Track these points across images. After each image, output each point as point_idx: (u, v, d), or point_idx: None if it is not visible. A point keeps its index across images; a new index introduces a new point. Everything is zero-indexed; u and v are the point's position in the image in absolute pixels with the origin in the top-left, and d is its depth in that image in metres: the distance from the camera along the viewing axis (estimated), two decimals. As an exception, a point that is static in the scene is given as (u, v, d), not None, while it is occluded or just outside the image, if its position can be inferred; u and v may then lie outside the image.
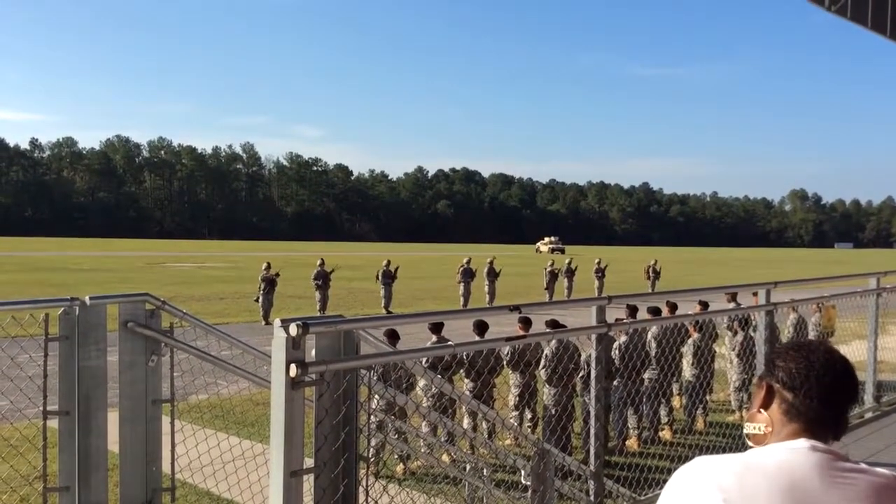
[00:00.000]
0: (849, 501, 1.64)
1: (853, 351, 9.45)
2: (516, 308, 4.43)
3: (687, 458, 1.81)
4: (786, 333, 11.64)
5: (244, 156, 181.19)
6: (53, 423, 4.29)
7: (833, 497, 1.63)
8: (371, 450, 7.39)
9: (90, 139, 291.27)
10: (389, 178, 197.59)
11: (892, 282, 9.73)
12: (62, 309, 4.25)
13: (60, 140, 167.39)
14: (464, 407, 9.07)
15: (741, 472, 1.67)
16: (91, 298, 4.29)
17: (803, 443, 1.73)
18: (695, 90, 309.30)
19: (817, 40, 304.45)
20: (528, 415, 9.99)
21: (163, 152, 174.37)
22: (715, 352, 11.20)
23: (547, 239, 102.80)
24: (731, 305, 11.71)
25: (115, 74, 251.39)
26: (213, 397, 10.20)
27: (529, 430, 9.75)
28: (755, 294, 9.88)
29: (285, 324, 2.93)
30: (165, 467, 4.67)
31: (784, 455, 1.71)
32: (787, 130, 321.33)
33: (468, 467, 6.44)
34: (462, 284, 27.92)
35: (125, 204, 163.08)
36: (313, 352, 3.16)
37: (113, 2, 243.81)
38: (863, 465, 1.72)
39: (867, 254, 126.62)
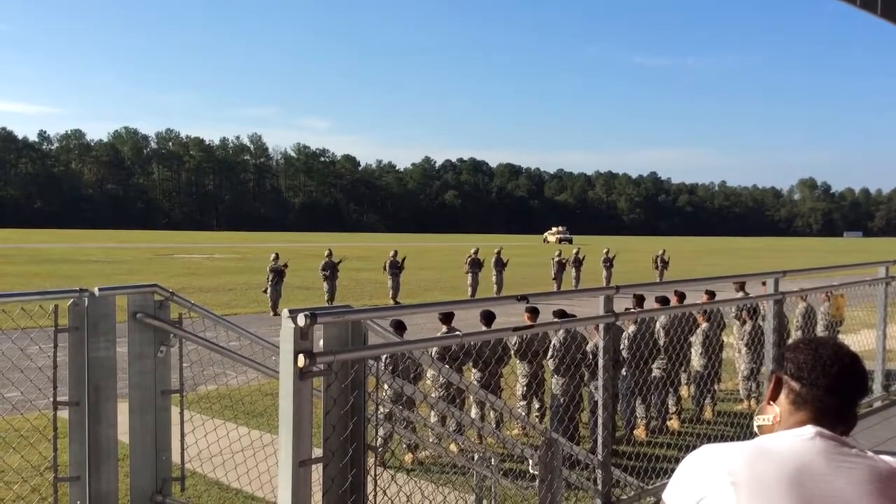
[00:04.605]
0: (854, 486, 1.65)
1: (862, 340, 9.42)
2: (524, 298, 4.43)
3: (695, 448, 1.82)
4: (794, 323, 11.62)
5: (252, 147, 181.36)
6: (64, 414, 4.31)
7: (839, 481, 1.65)
8: (379, 439, 7.42)
9: (98, 131, 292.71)
10: (397, 168, 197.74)
11: (901, 270, 9.68)
12: (71, 300, 4.26)
13: (69, 132, 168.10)
14: (472, 397, 9.08)
15: (749, 456, 1.69)
16: (100, 290, 4.30)
17: (810, 429, 1.75)
18: (703, 80, 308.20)
19: (826, 29, 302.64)
20: (536, 404, 10.00)
21: (171, 144, 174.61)
22: (723, 341, 11.18)
23: (555, 229, 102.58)
24: (740, 295, 11.68)
25: (124, 66, 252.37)
26: (222, 388, 10.24)
27: (537, 419, 9.76)
28: (764, 283, 9.86)
29: (293, 314, 2.93)
30: (175, 457, 4.70)
31: (791, 441, 1.73)
32: (796, 119, 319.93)
33: (476, 457, 6.45)
34: (470, 275, 27.92)
35: (133, 195, 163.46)
36: (321, 342, 3.16)
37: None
38: (868, 452, 1.73)
39: (876, 242, 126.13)
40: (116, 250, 57.75)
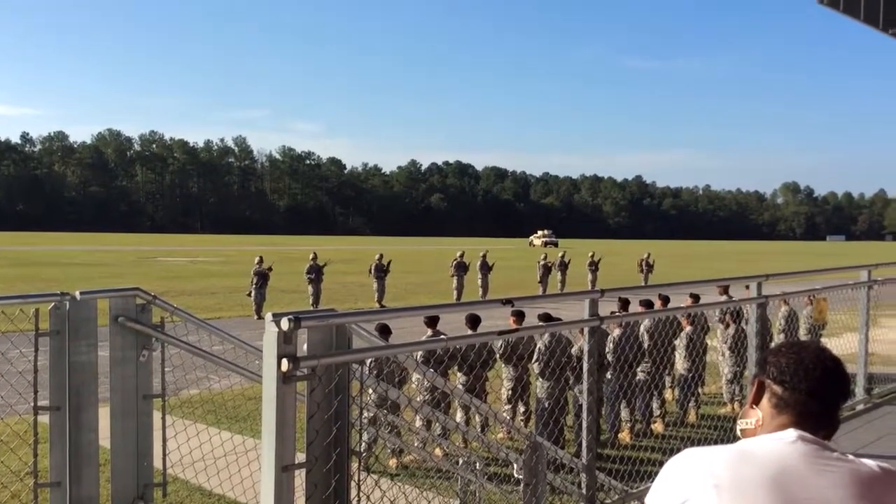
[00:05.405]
0: (836, 489, 1.66)
1: (844, 343, 9.48)
2: (509, 301, 4.44)
3: (679, 451, 1.83)
4: (777, 326, 11.67)
5: (236, 149, 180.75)
6: (44, 419, 4.28)
7: (820, 484, 1.66)
8: (363, 444, 7.39)
9: (81, 133, 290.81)
10: (383, 171, 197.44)
11: (883, 274, 9.76)
12: (53, 304, 4.23)
13: (52, 134, 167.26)
14: (457, 401, 9.07)
15: (731, 459, 1.70)
16: (81, 293, 4.27)
17: (792, 433, 1.76)
18: (687, 83, 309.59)
19: (809, 33, 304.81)
20: (521, 408, 10.00)
21: (154, 146, 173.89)
22: (707, 344, 11.23)
23: (540, 232, 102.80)
24: (723, 298, 11.73)
25: (108, 68, 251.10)
26: (205, 392, 10.18)
27: (522, 423, 9.76)
28: (747, 287, 9.91)
29: (277, 318, 2.92)
30: (157, 462, 4.66)
31: (773, 444, 1.74)
32: (779, 123, 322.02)
33: (461, 461, 6.44)
34: (455, 278, 27.92)
35: (117, 198, 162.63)
36: (305, 346, 3.15)
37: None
38: (850, 456, 1.74)
39: (859, 246, 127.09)
40: (99, 253, 57.37)
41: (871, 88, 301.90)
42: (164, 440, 4.73)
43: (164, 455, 4.74)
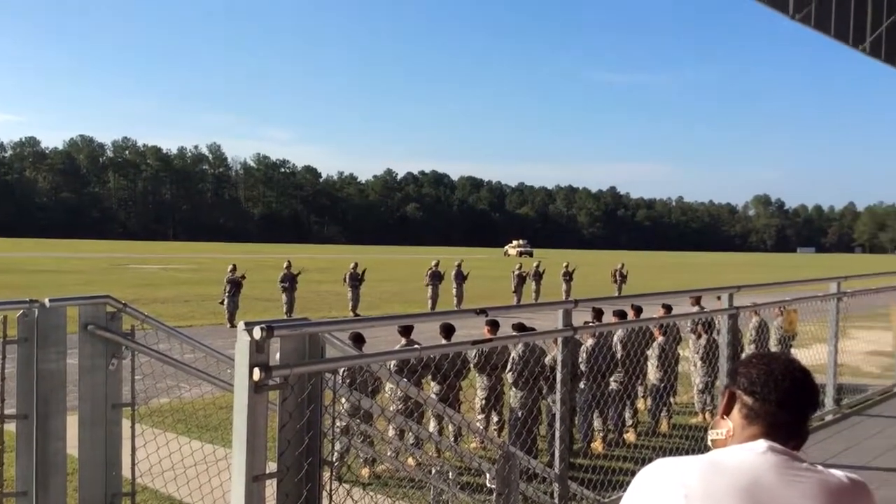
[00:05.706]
0: (805, 500, 1.68)
1: (814, 354, 9.58)
2: (483, 311, 4.44)
3: (651, 460, 1.84)
4: (748, 337, 11.79)
5: (210, 156, 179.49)
6: (11, 427, 4.22)
7: (790, 495, 1.67)
8: (335, 454, 7.35)
9: (53, 139, 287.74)
10: (358, 180, 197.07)
11: (852, 286, 9.89)
12: (21, 311, 4.18)
13: (23, 139, 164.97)
14: (430, 410, 9.05)
15: (702, 470, 1.71)
16: (51, 300, 4.22)
17: (762, 444, 1.77)
18: (660, 96, 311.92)
19: (781, 48, 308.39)
20: (495, 418, 10.00)
21: (127, 152, 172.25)
22: (679, 355, 11.31)
23: (515, 242, 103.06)
24: (695, 309, 11.82)
25: (80, 73, 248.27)
26: (176, 401, 10.07)
27: (495, 433, 9.76)
28: (719, 298, 10.00)
29: (249, 327, 2.90)
30: (126, 472, 4.61)
31: (743, 455, 1.75)
32: (751, 136, 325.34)
33: (434, 471, 6.43)
34: (430, 287, 27.92)
35: (88, 204, 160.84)
36: (278, 355, 3.13)
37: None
38: (819, 467, 1.76)
39: (829, 258, 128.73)
40: (70, 260, 56.66)
41: (841, 103, 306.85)
42: (133, 449, 4.67)
43: (133, 464, 4.68)
